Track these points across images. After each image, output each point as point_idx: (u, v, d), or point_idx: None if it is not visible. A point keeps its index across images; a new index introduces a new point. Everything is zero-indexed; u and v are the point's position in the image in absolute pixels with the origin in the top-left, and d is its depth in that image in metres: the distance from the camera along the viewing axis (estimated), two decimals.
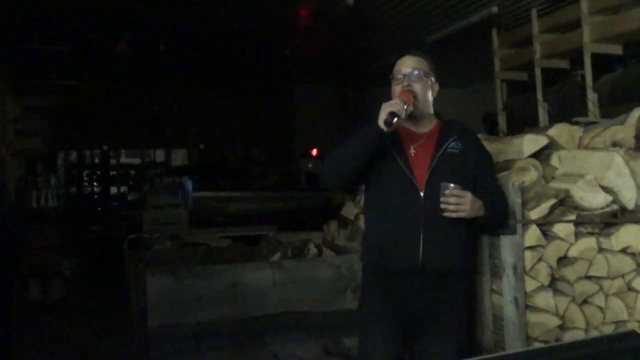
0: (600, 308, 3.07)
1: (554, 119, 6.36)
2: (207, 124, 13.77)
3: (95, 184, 14.45)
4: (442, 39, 8.96)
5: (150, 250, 6.42)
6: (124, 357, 5.49)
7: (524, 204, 3.06)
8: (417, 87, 2.92)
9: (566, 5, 6.82)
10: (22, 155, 9.36)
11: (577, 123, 3.77)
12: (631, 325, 3.03)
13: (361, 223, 4.14)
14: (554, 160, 3.36)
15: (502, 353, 2.95)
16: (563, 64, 7.14)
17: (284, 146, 14.21)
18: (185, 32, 9.27)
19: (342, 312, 4.15)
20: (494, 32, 8.06)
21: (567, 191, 3.10)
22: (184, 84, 12.79)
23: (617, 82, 6.18)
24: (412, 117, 2.91)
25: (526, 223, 3.03)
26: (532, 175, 3.19)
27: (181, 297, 4.04)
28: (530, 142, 3.37)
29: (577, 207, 3.08)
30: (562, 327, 3.02)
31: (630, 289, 3.09)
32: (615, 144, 3.33)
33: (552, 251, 3.05)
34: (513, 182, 3.06)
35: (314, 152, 13.18)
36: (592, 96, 6.23)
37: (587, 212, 3.07)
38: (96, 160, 14.36)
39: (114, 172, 14.31)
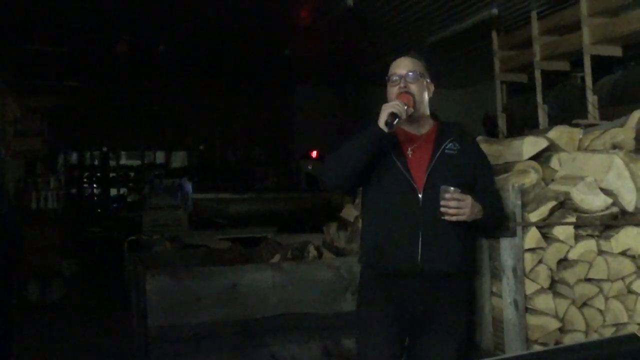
0: (600, 311, 3.07)
1: (553, 121, 6.37)
2: (206, 125, 13.78)
3: (95, 185, 14.44)
4: (442, 40, 8.97)
5: (150, 251, 6.41)
6: (124, 357, 5.48)
7: (523, 206, 3.06)
8: (413, 88, 2.92)
9: (566, 7, 6.82)
10: (22, 156, 9.35)
11: (577, 125, 3.76)
12: (631, 328, 3.03)
13: (360, 225, 4.14)
14: (554, 163, 3.36)
15: (502, 356, 2.96)
16: (563, 65, 7.15)
17: (284, 147, 14.21)
18: (185, 33, 9.27)
19: (342, 314, 4.15)
20: (494, 33, 8.07)
21: (567, 193, 3.10)
22: (184, 85, 12.78)
23: (617, 84, 6.18)
24: (410, 118, 2.90)
25: (526, 225, 3.03)
26: (532, 178, 3.20)
27: (181, 298, 4.04)
28: (530, 145, 3.37)
29: (577, 210, 3.08)
30: (562, 330, 3.02)
31: (630, 291, 3.09)
32: (615, 146, 3.33)
33: (552, 254, 3.05)
34: (513, 185, 3.06)
35: (314, 154, 13.18)
36: (592, 98, 6.23)
37: (587, 215, 3.07)
38: (96, 162, 14.35)
39: (114, 174, 14.30)
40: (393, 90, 2.93)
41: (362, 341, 2.99)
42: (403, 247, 2.82)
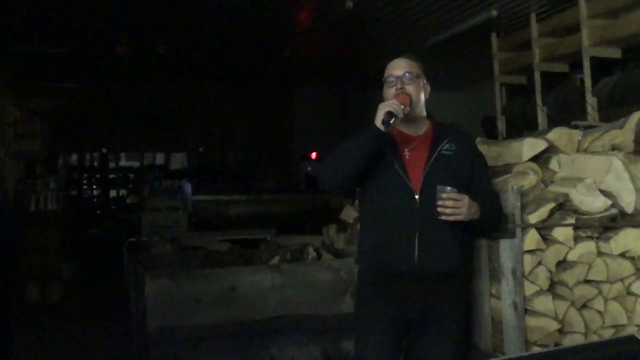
0: (600, 312, 3.07)
1: (553, 123, 6.36)
2: (206, 127, 13.79)
3: (94, 186, 14.45)
4: (441, 42, 8.97)
5: (149, 253, 6.41)
6: (123, 359, 5.48)
7: (523, 207, 3.06)
8: (410, 89, 2.92)
9: (565, 9, 6.83)
10: (22, 157, 9.35)
11: (576, 127, 3.77)
12: (630, 329, 3.03)
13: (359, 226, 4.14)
14: (553, 164, 3.36)
15: (502, 357, 2.96)
16: (562, 67, 7.15)
17: (284, 149, 14.22)
18: (185, 34, 9.27)
19: (341, 316, 4.15)
20: (494, 35, 8.07)
21: (566, 195, 3.10)
22: (184, 86, 12.79)
23: (616, 85, 6.18)
24: (406, 119, 2.90)
25: (525, 227, 3.03)
26: (531, 179, 3.20)
27: (180, 300, 4.04)
28: (530, 146, 3.37)
29: (576, 211, 3.08)
30: (561, 331, 3.02)
31: (629, 293, 3.09)
32: (614, 148, 3.33)
33: (551, 255, 3.05)
34: (512, 186, 3.06)
35: (314, 155, 13.18)
36: (591, 100, 6.23)
37: (586, 216, 3.07)
38: (95, 163, 14.36)
39: (113, 175, 14.30)
40: (390, 92, 2.93)
41: (359, 341, 2.99)
42: (400, 247, 2.82)
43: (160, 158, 14.51)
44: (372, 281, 2.94)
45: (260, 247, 5.85)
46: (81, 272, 10.03)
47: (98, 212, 13.91)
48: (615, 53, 6.33)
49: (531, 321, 3.02)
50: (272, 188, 13.26)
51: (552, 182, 3.28)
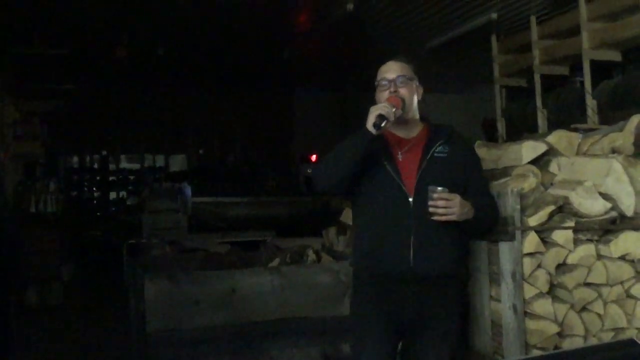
0: (599, 315, 3.06)
1: (553, 125, 6.37)
2: (206, 128, 13.79)
3: (94, 188, 14.44)
4: (442, 45, 8.98)
5: (149, 255, 6.41)
6: None
7: (522, 210, 3.06)
8: (403, 92, 2.91)
9: (565, 11, 6.83)
10: (21, 159, 9.35)
11: (576, 129, 3.76)
12: (630, 333, 3.03)
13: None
14: (553, 167, 3.35)
15: None
16: (562, 70, 7.15)
17: (284, 151, 14.22)
18: (184, 36, 9.28)
19: (341, 318, 4.14)
20: (494, 38, 8.08)
21: (566, 198, 3.10)
22: (183, 88, 12.79)
23: (616, 88, 6.18)
24: (400, 122, 2.90)
25: (525, 230, 3.03)
26: (530, 182, 3.19)
27: (179, 302, 4.03)
28: (529, 149, 3.37)
29: (576, 214, 3.08)
30: (560, 335, 3.02)
31: (629, 296, 3.09)
32: (614, 151, 3.33)
33: (551, 258, 3.05)
34: (512, 189, 3.05)
35: (314, 157, 13.18)
36: (591, 102, 6.24)
37: (586, 219, 3.07)
38: (95, 165, 14.36)
39: (113, 177, 14.30)
40: (383, 95, 2.93)
41: (355, 345, 2.98)
42: (395, 250, 2.81)
43: (160, 160, 14.51)
44: (368, 284, 2.93)
45: (260, 249, 5.84)
46: (81, 274, 10.03)
47: (98, 214, 13.91)
48: (615, 56, 6.34)
49: (531, 324, 3.01)
50: (272, 190, 13.26)
51: (551, 184, 3.28)
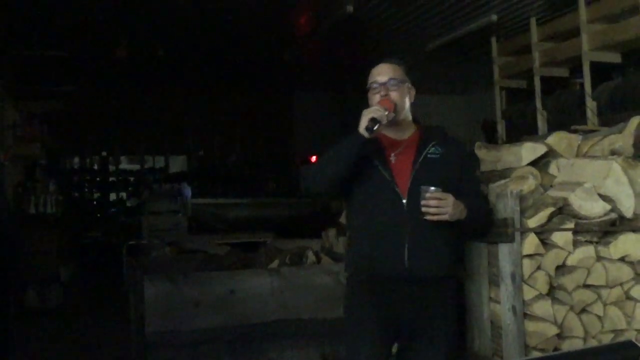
0: (599, 317, 3.07)
1: (552, 127, 6.37)
2: (206, 130, 13.79)
3: (94, 189, 14.44)
4: (441, 47, 8.98)
5: (149, 256, 6.41)
6: None
7: (522, 212, 3.06)
8: (395, 95, 2.92)
9: (565, 13, 6.83)
10: (21, 160, 9.35)
11: (575, 131, 3.77)
12: (629, 334, 3.03)
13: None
14: (553, 169, 3.36)
15: None
16: (562, 72, 7.15)
17: (283, 152, 14.21)
18: (185, 38, 9.28)
19: (340, 319, 4.14)
20: (493, 40, 8.08)
21: (565, 199, 3.10)
22: (183, 89, 12.79)
23: (615, 90, 6.18)
24: (392, 124, 2.90)
25: (525, 231, 3.03)
26: (530, 184, 3.20)
27: (179, 303, 4.04)
28: (529, 150, 3.37)
29: (575, 216, 3.08)
30: (560, 336, 3.02)
31: (628, 297, 3.09)
32: (613, 152, 3.33)
33: (551, 259, 3.05)
34: (511, 190, 3.06)
35: (314, 158, 13.17)
36: (590, 104, 6.23)
37: (585, 221, 3.07)
38: (95, 166, 14.35)
39: (113, 178, 14.30)
40: (375, 98, 2.93)
41: (349, 348, 2.97)
42: (389, 252, 2.81)
43: (160, 161, 14.49)
44: (362, 286, 2.92)
45: (260, 251, 5.85)
46: (80, 275, 10.02)
47: (98, 215, 13.90)
48: (614, 58, 6.34)
49: (530, 326, 3.01)
50: (272, 191, 13.26)
51: (551, 186, 3.29)
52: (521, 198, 3.08)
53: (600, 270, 3.05)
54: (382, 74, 2.96)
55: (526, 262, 3.02)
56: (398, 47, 9.33)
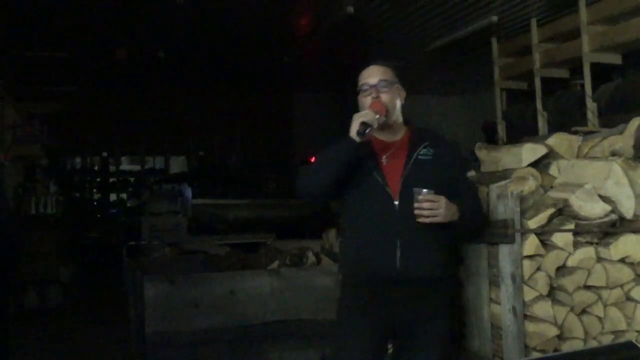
0: (599, 318, 3.06)
1: (553, 128, 6.37)
2: (206, 131, 13.79)
3: (94, 190, 14.44)
4: (442, 47, 8.99)
5: (149, 257, 6.41)
6: None
7: (522, 213, 3.05)
8: (385, 97, 2.91)
9: (565, 15, 6.83)
10: (21, 161, 9.35)
11: (576, 132, 3.77)
12: (630, 335, 3.02)
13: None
14: (553, 170, 3.35)
15: None
16: (562, 73, 7.15)
17: (284, 153, 14.21)
18: (185, 39, 9.28)
19: None
20: (494, 41, 8.08)
21: (565, 200, 3.10)
22: (184, 91, 12.80)
23: (616, 91, 6.18)
24: (383, 126, 2.90)
25: (525, 232, 3.02)
26: (530, 185, 3.19)
27: (179, 304, 4.04)
28: (529, 151, 3.37)
29: (575, 217, 3.07)
30: (560, 337, 3.01)
31: (629, 298, 3.08)
32: (614, 154, 3.33)
33: (551, 260, 3.04)
34: (512, 191, 3.05)
35: (313, 159, 13.15)
36: (591, 105, 6.23)
37: (585, 222, 3.06)
38: (95, 167, 14.36)
39: (114, 179, 14.30)
40: (365, 100, 2.94)
41: (341, 351, 2.94)
42: (382, 254, 2.80)
43: (160, 162, 14.50)
44: (355, 289, 2.91)
45: (260, 252, 5.84)
46: (80, 275, 10.02)
47: (98, 215, 13.90)
48: (615, 59, 6.34)
49: (530, 327, 3.01)
50: (272, 192, 13.26)
51: (551, 187, 3.28)
52: (521, 199, 3.08)
53: (601, 272, 3.05)
54: (372, 76, 2.96)
55: (526, 263, 3.02)
56: (398, 48, 9.34)
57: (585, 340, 3.03)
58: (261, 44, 9.50)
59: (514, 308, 2.98)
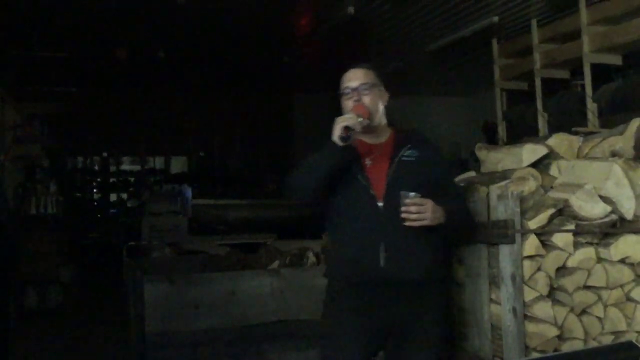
0: (599, 318, 3.06)
1: (553, 129, 6.37)
2: (206, 131, 13.79)
3: (94, 190, 14.45)
4: (442, 48, 8.99)
5: (149, 257, 6.41)
6: None
7: (522, 213, 3.05)
8: (367, 99, 2.91)
9: (566, 15, 6.84)
10: (22, 161, 9.35)
11: (576, 133, 3.76)
12: (630, 336, 3.02)
13: None
14: (553, 170, 3.35)
15: None
16: (563, 73, 7.15)
17: (284, 153, 14.21)
18: (185, 39, 9.28)
19: None
20: (494, 41, 8.07)
21: (566, 201, 3.09)
22: (184, 91, 12.80)
23: (616, 92, 6.18)
24: (367, 129, 2.89)
25: (525, 232, 3.02)
26: (531, 185, 3.19)
27: (179, 304, 4.04)
28: (530, 152, 3.37)
29: (576, 217, 3.07)
30: (560, 338, 3.01)
31: (629, 299, 3.08)
32: (614, 154, 3.33)
33: (551, 261, 3.04)
34: (512, 192, 3.05)
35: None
36: (591, 106, 6.23)
37: (586, 222, 3.06)
38: (96, 167, 14.36)
39: (114, 179, 14.31)
40: (348, 104, 2.93)
41: (329, 354, 2.94)
42: (366, 256, 2.79)
43: (160, 162, 14.51)
44: (342, 293, 2.89)
45: (260, 252, 5.85)
46: (80, 275, 10.02)
47: (98, 215, 13.90)
48: (615, 60, 6.34)
49: (530, 327, 3.01)
50: (272, 192, 13.25)
51: (552, 187, 3.28)
52: (522, 199, 3.07)
53: (601, 272, 3.04)
54: (354, 79, 2.96)
55: (526, 264, 3.02)
56: (399, 48, 9.34)
57: (585, 341, 3.03)
58: (261, 44, 9.50)
59: (514, 308, 2.98)
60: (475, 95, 12.56)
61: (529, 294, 3.02)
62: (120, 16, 8.08)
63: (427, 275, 2.84)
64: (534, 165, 3.36)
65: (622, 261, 3.07)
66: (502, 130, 8.04)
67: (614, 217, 3.08)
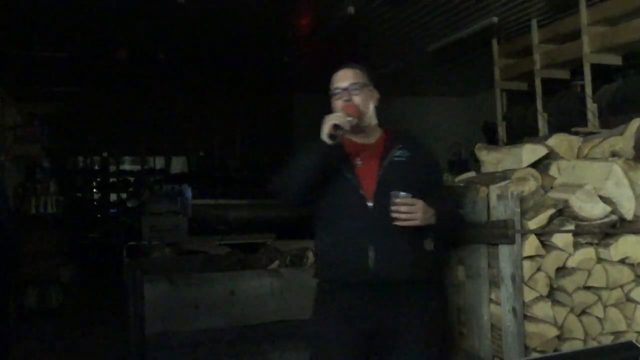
0: (599, 319, 3.06)
1: (553, 129, 6.37)
2: (206, 131, 13.78)
3: (94, 190, 14.44)
4: (442, 49, 8.98)
5: (149, 257, 6.42)
6: None
7: (522, 213, 3.05)
8: (357, 99, 2.91)
9: (566, 15, 6.84)
10: (22, 161, 9.35)
11: (576, 133, 3.77)
12: (630, 336, 3.03)
13: None
14: (553, 170, 3.35)
15: None
16: (563, 74, 7.16)
17: (284, 154, 14.19)
18: (185, 39, 9.28)
19: None
20: (494, 42, 8.08)
21: (566, 201, 3.10)
22: (184, 91, 12.80)
23: (616, 92, 6.19)
24: (357, 129, 2.89)
25: (525, 233, 3.03)
26: (531, 185, 3.19)
27: (179, 304, 4.04)
28: (530, 152, 3.37)
29: (575, 217, 3.07)
30: (560, 338, 3.02)
31: (628, 299, 3.08)
32: (614, 154, 3.33)
33: (551, 261, 3.04)
34: (512, 192, 3.05)
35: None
36: (591, 106, 6.24)
37: (585, 223, 3.07)
38: (96, 167, 14.36)
39: (114, 179, 14.30)
40: (337, 104, 2.94)
41: (319, 356, 2.92)
42: (355, 257, 2.77)
43: (160, 162, 14.50)
44: (331, 294, 2.88)
45: (260, 252, 5.85)
46: (80, 275, 10.02)
47: (98, 215, 13.90)
48: (615, 60, 6.35)
49: (530, 327, 3.01)
50: (273, 192, 13.22)
51: (551, 188, 3.28)
52: (521, 200, 3.08)
53: (601, 272, 3.05)
54: (343, 79, 2.96)
55: (526, 264, 3.02)
56: (399, 49, 9.34)
57: (585, 341, 3.03)
58: (261, 44, 9.49)
59: (514, 309, 2.98)
60: (475, 95, 12.57)
61: (528, 294, 3.02)
62: (120, 16, 8.08)
63: (416, 276, 2.83)
64: (534, 165, 3.37)
65: (622, 261, 3.07)
66: (502, 131, 8.05)
67: (613, 217, 3.09)
